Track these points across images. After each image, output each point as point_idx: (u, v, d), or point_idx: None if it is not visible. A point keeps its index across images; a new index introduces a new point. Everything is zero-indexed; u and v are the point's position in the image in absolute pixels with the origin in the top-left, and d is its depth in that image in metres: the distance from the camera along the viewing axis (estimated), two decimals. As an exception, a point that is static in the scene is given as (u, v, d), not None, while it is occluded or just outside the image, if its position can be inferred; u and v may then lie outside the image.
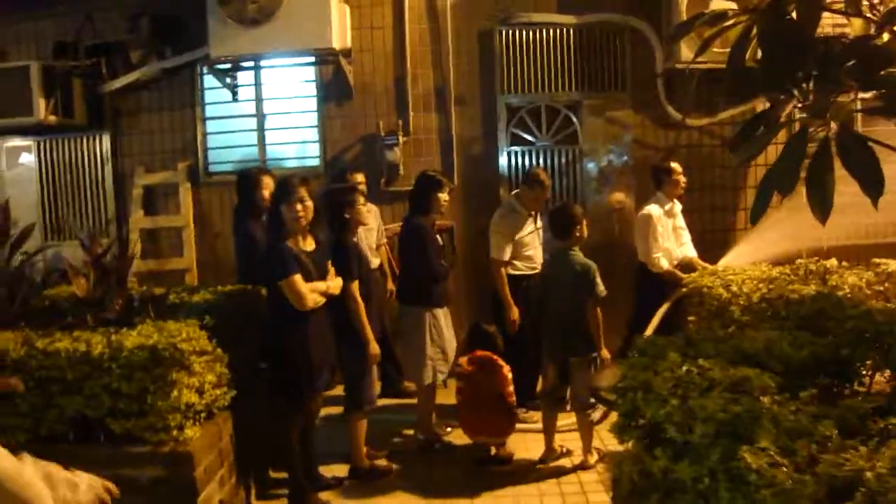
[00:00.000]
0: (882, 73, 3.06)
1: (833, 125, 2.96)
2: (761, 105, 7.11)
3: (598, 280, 4.84)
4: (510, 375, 5.04)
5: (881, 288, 5.07)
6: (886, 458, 1.75)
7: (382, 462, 5.05)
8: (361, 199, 4.97)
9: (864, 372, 3.11)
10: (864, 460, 1.75)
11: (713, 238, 6.91)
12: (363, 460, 4.93)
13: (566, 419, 5.34)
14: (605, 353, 4.88)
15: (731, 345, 2.82)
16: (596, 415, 4.96)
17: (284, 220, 4.35)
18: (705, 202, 7.10)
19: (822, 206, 2.90)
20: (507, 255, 5.64)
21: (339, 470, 4.95)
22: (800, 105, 3.14)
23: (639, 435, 2.54)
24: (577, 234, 4.99)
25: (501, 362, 5.07)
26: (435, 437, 5.41)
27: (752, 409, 2.10)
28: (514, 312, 5.60)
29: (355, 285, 4.71)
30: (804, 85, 3.09)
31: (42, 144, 7.49)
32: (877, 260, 5.30)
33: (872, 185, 2.79)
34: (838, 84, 3.05)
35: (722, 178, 7.19)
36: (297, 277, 4.26)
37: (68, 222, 7.33)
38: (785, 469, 1.77)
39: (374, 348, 4.76)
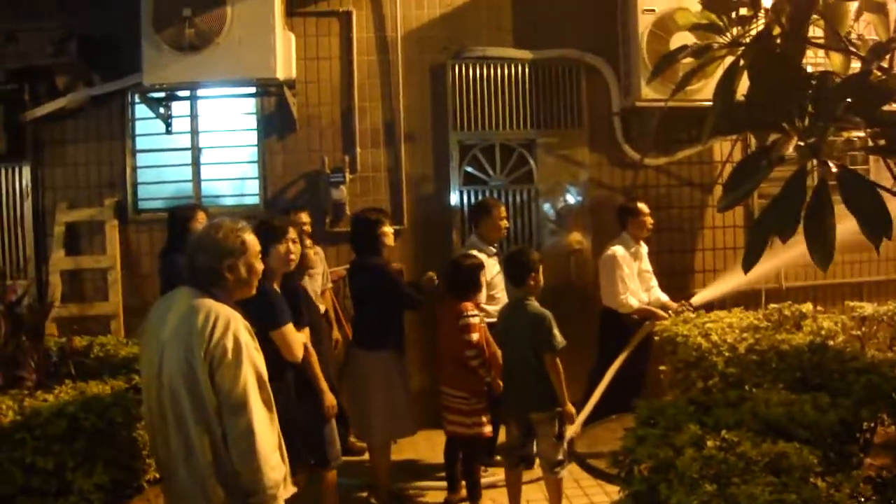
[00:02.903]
0: (881, 109, 2.86)
1: (831, 164, 2.72)
2: (718, 145, 7.03)
3: (556, 330, 4.51)
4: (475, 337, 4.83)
5: (858, 333, 4.88)
6: None
7: None
8: (309, 241, 4.59)
9: (865, 426, 2.89)
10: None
11: (671, 280, 6.68)
12: None
13: (528, 475, 4.98)
14: (570, 408, 4.53)
15: (748, 409, 2.50)
16: (563, 472, 4.59)
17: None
18: (663, 244, 6.88)
19: (822, 251, 2.64)
20: (482, 299, 5.25)
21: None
22: (801, 143, 2.88)
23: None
24: (532, 283, 4.67)
25: (472, 320, 4.86)
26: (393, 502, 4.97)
27: (810, 498, 1.77)
28: (499, 355, 5.07)
29: (306, 332, 4.28)
30: (798, 122, 2.85)
31: (-47, 176, 6.84)
32: (851, 303, 5.13)
33: (879, 227, 2.55)
34: (835, 121, 2.82)
35: (680, 219, 7.02)
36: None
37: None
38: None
39: (330, 399, 4.33)
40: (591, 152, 6.93)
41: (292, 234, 4.12)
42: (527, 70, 6.83)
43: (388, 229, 5.10)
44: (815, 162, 2.78)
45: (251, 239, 2.98)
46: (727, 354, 3.97)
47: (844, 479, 1.93)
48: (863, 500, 1.82)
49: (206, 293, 2.83)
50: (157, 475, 3.44)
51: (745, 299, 6.13)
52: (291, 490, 3.01)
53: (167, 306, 2.87)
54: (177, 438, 2.72)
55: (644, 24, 6.25)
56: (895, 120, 2.96)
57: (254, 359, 2.77)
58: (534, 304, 4.63)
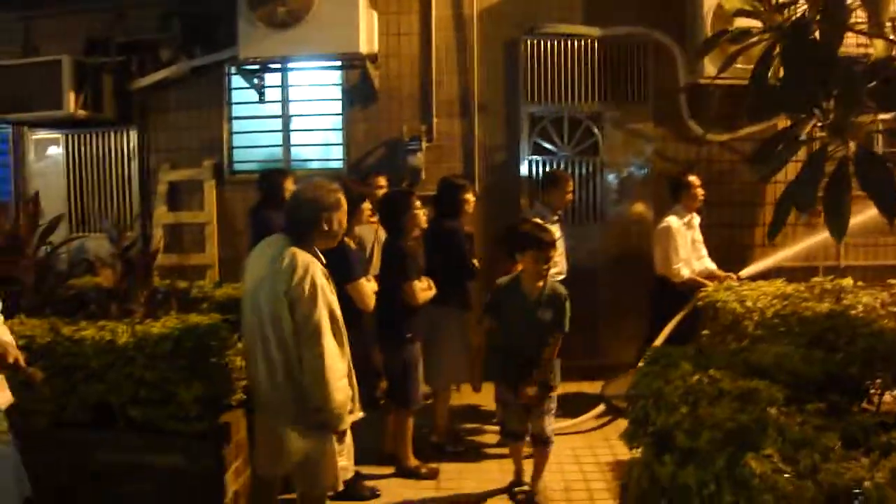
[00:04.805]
0: (901, 94, 3.11)
1: (852, 145, 2.99)
2: (782, 122, 7.17)
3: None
4: None
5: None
6: (886, 470, 1.80)
7: (428, 467, 5.10)
8: (418, 203, 5.08)
9: (873, 391, 3.15)
10: (864, 470, 1.81)
11: (731, 254, 6.89)
12: (411, 460, 5.05)
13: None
14: None
15: (743, 358, 2.87)
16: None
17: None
18: (724, 218, 7.10)
19: (838, 224, 2.93)
20: None
21: (376, 470, 5.04)
22: (820, 124, 3.16)
23: (649, 442, 2.59)
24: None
25: None
26: (449, 441, 5.50)
27: (759, 418, 2.16)
28: None
29: (413, 284, 4.88)
30: (825, 104, 3.12)
31: (70, 138, 7.64)
32: (892, 280, 5.31)
33: (889, 205, 2.83)
34: (859, 104, 3.08)
35: (741, 193, 7.21)
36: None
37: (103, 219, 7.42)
38: (787, 475, 1.83)
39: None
40: (655, 126, 7.21)
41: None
42: (596, 46, 7.13)
43: (471, 197, 5.59)
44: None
45: (343, 198, 3.56)
46: (756, 318, 4.28)
47: (798, 412, 2.30)
48: (807, 425, 2.18)
49: (296, 241, 3.39)
50: (244, 396, 4.03)
51: (803, 276, 6.33)
52: (359, 415, 3.63)
53: (264, 250, 3.48)
54: (263, 359, 3.34)
55: (709, 3, 6.46)
56: (912, 106, 3.22)
57: (328, 298, 3.34)
58: None
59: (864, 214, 3.70)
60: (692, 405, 2.36)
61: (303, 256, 3.33)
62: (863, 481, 1.75)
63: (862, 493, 1.72)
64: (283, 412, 3.36)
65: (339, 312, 3.41)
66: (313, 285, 3.27)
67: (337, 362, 3.33)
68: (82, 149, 7.63)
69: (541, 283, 4.50)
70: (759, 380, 2.62)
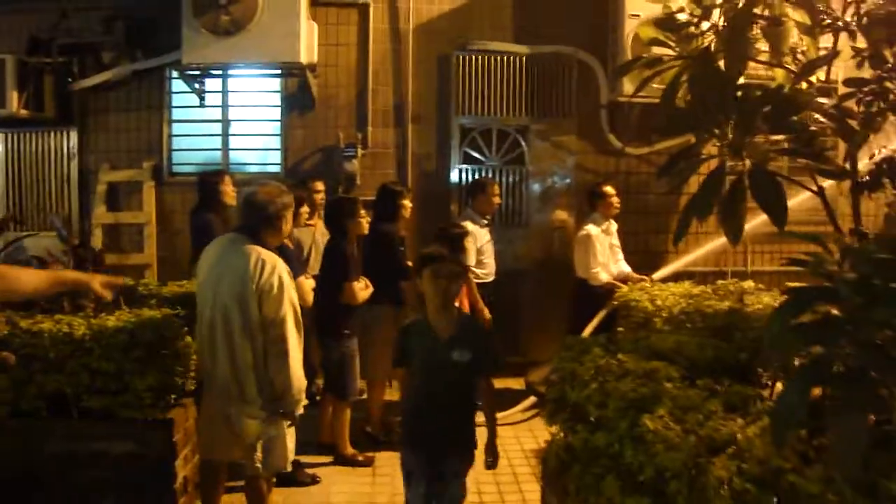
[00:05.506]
0: (793, 118, 3.58)
1: (748, 162, 3.43)
2: (695, 138, 7.72)
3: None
4: None
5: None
6: (757, 427, 2.22)
7: (365, 455, 5.43)
8: (363, 212, 5.44)
9: (766, 380, 3.61)
10: (738, 427, 2.23)
11: (646, 258, 7.42)
12: (348, 448, 5.38)
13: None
14: None
15: (646, 345, 3.29)
16: None
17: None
18: (640, 225, 7.63)
19: (734, 232, 3.37)
20: (472, 261, 6.08)
21: (315, 459, 5.35)
22: (719, 144, 3.61)
23: (565, 418, 2.99)
24: None
25: None
26: (382, 432, 5.81)
27: (656, 390, 2.57)
28: (486, 312, 6.04)
29: (353, 285, 5.23)
30: (726, 126, 3.56)
31: (10, 136, 7.68)
32: (790, 284, 5.85)
33: (778, 216, 3.29)
34: (753, 128, 3.53)
35: (656, 203, 7.74)
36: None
37: (49, 215, 7.46)
38: (675, 431, 2.24)
39: None
40: (578, 140, 7.71)
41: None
42: (524, 63, 7.60)
43: (408, 203, 5.97)
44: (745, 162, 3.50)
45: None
46: (665, 315, 4.73)
47: (690, 387, 2.72)
48: (695, 395, 2.60)
49: (253, 240, 3.68)
50: (193, 388, 4.30)
51: (713, 279, 6.85)
52: (305, 401, 3.88)
53: (221, 248, 3.76)
54: (224, 347, 3.62)
55: (630, 27, 6.98)
56: (800, 128, 3.70)
57: (291, 294, 3.67)
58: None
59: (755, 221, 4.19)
60: (601, 382, 2.77)
61: (268, 254, 3.64)
62: (736, 435, 2.17)
63: (736, 444, 2.13)
64: (243, 400, 3.64)
65: (298, 307, 3.72)
66: (280, 282, 3.59)
67: (297, 352, 3.67)
68: (22, 148, 7.68)
69: (452, 316, 3.62)
70: (660, 362, 3.04)
